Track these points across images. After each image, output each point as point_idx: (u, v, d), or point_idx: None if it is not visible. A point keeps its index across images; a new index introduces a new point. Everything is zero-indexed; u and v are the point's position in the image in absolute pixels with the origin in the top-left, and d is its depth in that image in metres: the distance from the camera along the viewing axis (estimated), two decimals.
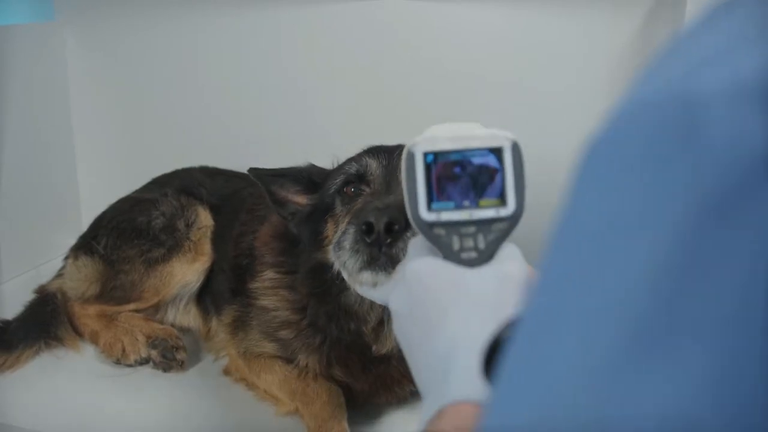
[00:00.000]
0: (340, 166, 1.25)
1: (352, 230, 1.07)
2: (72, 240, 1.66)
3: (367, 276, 1.04)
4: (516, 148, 0.72)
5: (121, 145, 2.01)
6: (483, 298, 0.67)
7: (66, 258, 1.65)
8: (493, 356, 0.60)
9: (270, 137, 1.84)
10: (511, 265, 0.70)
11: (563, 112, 1.63)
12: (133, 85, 1.97)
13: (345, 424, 1.21)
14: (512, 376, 0.39)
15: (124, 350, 1.45)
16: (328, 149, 1.28)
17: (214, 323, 1.52)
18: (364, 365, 1.26)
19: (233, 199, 1.61)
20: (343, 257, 1.07)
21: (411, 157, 0.72)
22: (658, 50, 0.40)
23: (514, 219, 0.71)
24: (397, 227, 1.02)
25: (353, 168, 1.22)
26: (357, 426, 1.25)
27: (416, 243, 0.77)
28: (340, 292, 1.20)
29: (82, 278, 1.55)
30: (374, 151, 1.23)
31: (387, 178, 1.18)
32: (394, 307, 0.75)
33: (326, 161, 1.32)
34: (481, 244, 0.70)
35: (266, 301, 1.32)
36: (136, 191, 1.71)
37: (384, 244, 1.02)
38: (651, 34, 1.56)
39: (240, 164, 1.41)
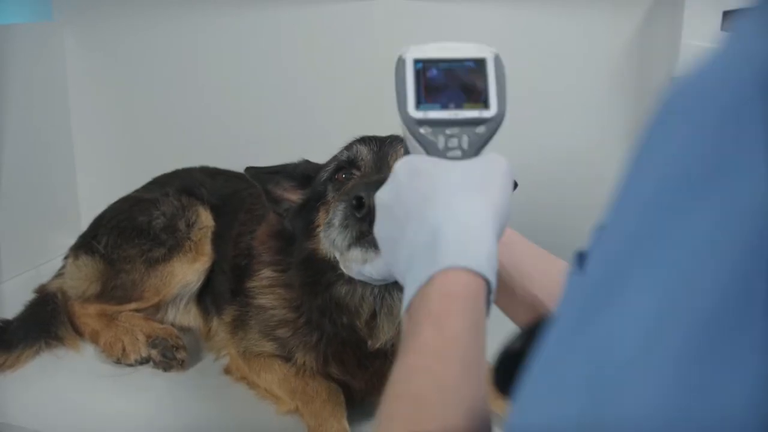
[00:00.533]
0: (333, 157, 1.25)
1: (341, 207, 1.06)
2: (72, 240, 1.66)
3: (356, 253, 1.03)
4: (498, 60, 0.77)
5: (121, 145, 2.01)
6: (470, 179, 0.69)
7: (66, 257, 1.64)
8: (499, 369, 0.59)
9: (270, 137, 1.84)
10: (495, 156, 0.73)
11: (563, 111, 1.64)
12: (132, 85, 1.97)
13: (345, 423, 1.21)
14: (554, 366, 0.36)
15: (124, 350, 1.44)
16: (328, 149, 1.28)
17: (214, 323, 1.52)
18: (360, 361, 1.25)
19: (233, 199, 1.60)
20: (332, 235, 1.06)
21: (402, 62, 0.76)
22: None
23: (496, 120, 0.75)
24: None
25: (344, 155, 1.22)
26: (357, 424, 1.25)
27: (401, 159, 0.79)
28: (331, 284, 1.18)
29: (83, 277, 1.55)
30: (365, 139, 1.23)
31: (378, 163, 1.18)
32: (381, 198, 0.75)
33: (325, 161, 1.32)
34: (465, 144, 0.74)
35: (263, 300, 1.32)
36: (137, 191, 1.70)
37: (374, 219, 1.01)
38: (650, 34, 1.56)
39: (240, 164, 1.41)
